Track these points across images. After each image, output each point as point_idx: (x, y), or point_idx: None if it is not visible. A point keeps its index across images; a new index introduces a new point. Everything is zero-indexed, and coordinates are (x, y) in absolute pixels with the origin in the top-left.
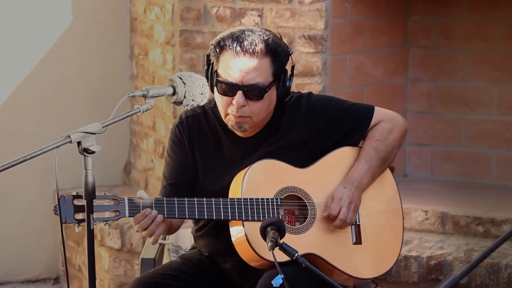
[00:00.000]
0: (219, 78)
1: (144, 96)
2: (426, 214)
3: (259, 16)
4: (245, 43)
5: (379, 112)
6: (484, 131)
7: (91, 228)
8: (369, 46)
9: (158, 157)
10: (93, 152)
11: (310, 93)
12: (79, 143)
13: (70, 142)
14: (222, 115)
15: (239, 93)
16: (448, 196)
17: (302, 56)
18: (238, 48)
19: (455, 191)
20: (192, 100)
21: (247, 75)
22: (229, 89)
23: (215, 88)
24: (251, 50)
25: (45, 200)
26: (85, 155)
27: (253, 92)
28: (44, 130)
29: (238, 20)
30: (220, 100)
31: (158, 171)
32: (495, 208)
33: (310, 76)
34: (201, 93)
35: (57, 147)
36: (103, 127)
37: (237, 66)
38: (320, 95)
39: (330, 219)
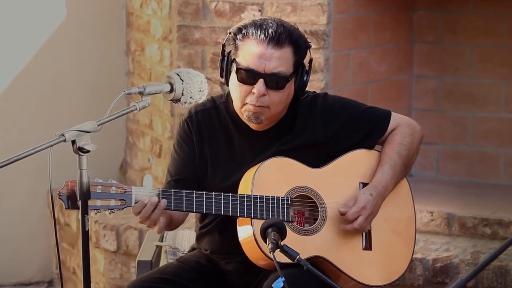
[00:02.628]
0: (240, 66)
1: (141, 93)
2: (432, 215)
3: (260, 10)
4: (270, 31)
5: (396, 117)
6: (492, 130)
7: (86, 230)
8: (373, 41)
9: (155, 156)
10: (88, 151)
11: (326, 94)
12: (73, 142)
13: (64, 140)
14: (238, 105)
15: (261, 81)
16: (454, 197)
17: None
18: (262, 36)
19: (461, 192)
20: (190, 97)
21: (270, 63)
22: (250, 77)
23: (233, 76)
24: (276, 38)
25: (38, 200)
26: (79, 154)
27: (274, 81)
28: (38, 128)
29: (238, 15)
30: (239, 89)
31: (155, 170)
32: (502, 209)
33: (312, 73)
34: (200, 90)
35: (51, 146)
36: (98, 125)
37: (260, 54)
38: (336, 96)
39: (343, 219)
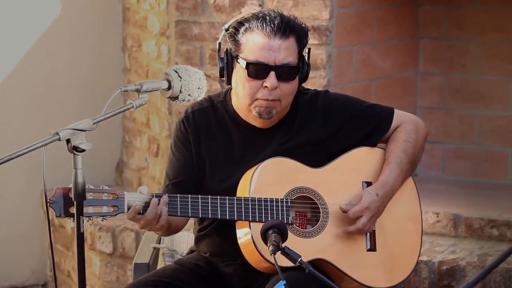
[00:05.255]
0: (249, 61)
1: (138, 90)
2: (438, 216)
3: (260, 5)
4: (276, 22)
5: (399, 114)
6: (499, 128)
7: (81, 231)
8: (377, 37)
9: (152, 155)
10: (83, 150)
11: (327, 91)
12: (68, 141)
13: (59, 139)
14: (247, 102)
15: (272, 74)
16: (460, 197)
17: None
18: (269, 28)
19: (468, 192)
20: (189, 95)
21: (279, 55)
22: (261, 71)
23: (238, 73)
24: (282, 29)
25: (32, 201)
26: (74, 154)
27: (285, 72)
28: (31, 126)
29: (237, 9)
30: (248, 85)
31: (152, 170)
32: (510, 210)
33: (314, 70)
34: (198, 88)
35: (45, 145)
36: (94, 123)
37: (269, 46)
38: (337, 94)
39: (346, 220)
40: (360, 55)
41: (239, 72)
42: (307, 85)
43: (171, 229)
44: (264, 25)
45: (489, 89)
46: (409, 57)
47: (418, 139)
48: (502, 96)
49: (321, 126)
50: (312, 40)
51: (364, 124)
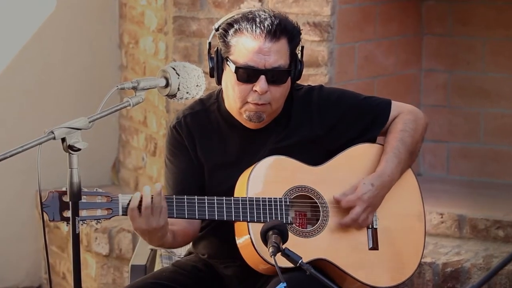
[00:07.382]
0: (237, 64)
1: (135, 88)
2: (442, 217)
3: (260, 1)
4: (266, 23)
5: (397, 105)
6: (505, 126)
7: (77, 232)
8: (380, 34)
9: (150, 155)
10: (79, 149)
11: (321, 86)
12: (63, 140)
13: (54, 138)
14: (237, 105)
15: (262, 78)
16: (465, 198)
17: (307, 45)
18: (258, 30)
19: (473, 192)
20: (187, 92)
21: (270, 58)
22: (251, 75)
23: (227, 76)
24: (272, 31)
25: (26, 201)
26: (70, 153)
27: (276, 76)
28: (26, 125)
29: (237, 5)
30: (237, 89)
31: (150, 169)
32: None
33: (315, 67)
34: (197, 85)
35: (40, 143)
36: (89, 122)
37: (258, 49)
38: (332, 88)
39: (342, 211)
40: (362, 52)
41: (229, 74)
42: (308, 82)
43: (177, 236)
44: (254, 27)
45: (495, 87)
46: (412, 54)
47: (416, 128)
48: (508, 93)
49: (317, 122)
50: (313, 37)
51: (362, 118)
